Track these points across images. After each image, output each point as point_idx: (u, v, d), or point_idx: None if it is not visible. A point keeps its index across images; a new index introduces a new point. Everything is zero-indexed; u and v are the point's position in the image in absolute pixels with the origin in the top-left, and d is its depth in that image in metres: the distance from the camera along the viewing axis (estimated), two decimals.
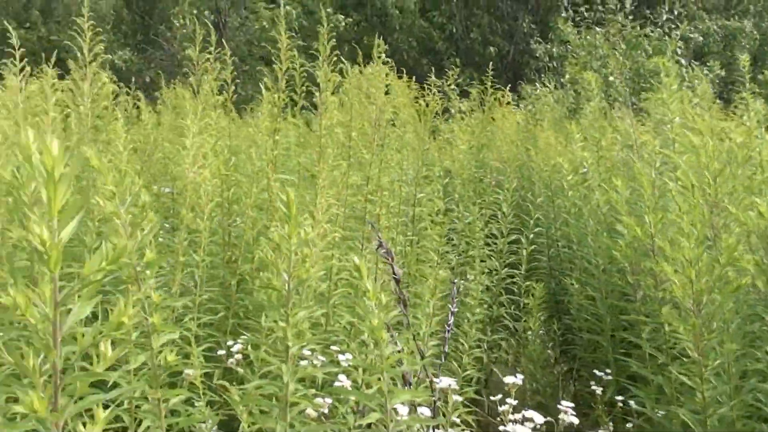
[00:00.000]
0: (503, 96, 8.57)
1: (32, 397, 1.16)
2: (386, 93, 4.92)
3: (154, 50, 24.65)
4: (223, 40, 5.43)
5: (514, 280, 6.09)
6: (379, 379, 2.22)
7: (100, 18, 30.09)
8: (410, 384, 2.78)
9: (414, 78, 6.99)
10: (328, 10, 21.59)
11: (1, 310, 1.13)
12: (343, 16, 22.46)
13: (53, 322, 1.20)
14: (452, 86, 8.79)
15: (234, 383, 3.24)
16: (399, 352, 2.29)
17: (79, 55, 4.50)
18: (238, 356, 3.52)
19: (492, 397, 3.72)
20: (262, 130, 4.68)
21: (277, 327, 2.35)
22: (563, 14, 19.93)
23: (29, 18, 30.35)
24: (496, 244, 6.09)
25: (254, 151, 4.54)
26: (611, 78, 12.99)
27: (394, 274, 2.97)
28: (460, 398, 3.29)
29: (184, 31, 22.66)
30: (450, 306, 3.59)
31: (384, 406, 2.22)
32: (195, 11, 23.71)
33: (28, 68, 4.21)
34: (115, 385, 2.92)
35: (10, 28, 4.30)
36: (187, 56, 18.78)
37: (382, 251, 3.03)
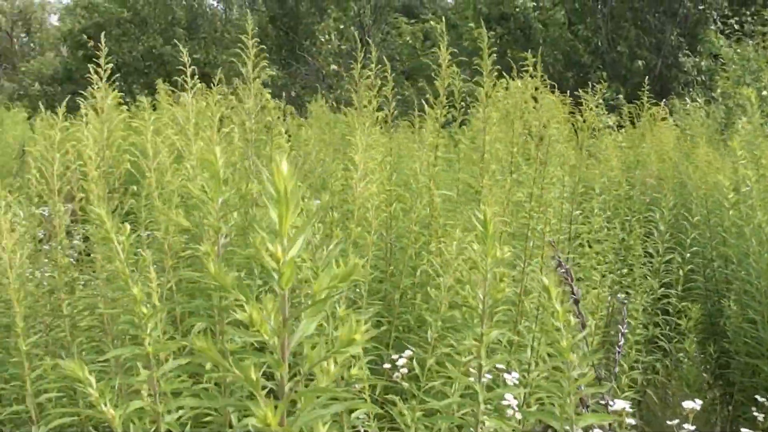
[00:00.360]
0: (657, 111, 8.42)
1: (266, 411, 1.18)
2: (535, 107, 4.89)
3: (299, 66, 25.14)
4: (385, 57, 5.46)
5: (669, 300, 5.96)
6: (566, 400, 2.20)
7: (246, 34, 30.75)
8: (587, 406, 2.75)
9: (564, 93, 6.94)
10: (470, 24, 21.61)
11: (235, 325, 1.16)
12: (486, 30, 22.41)
13: (282, 338, 1.22)
14: (599, 101, 8.66)
15: (397, 396, 3.26)
16: (584, 375, 2.26)
17: (243, 71, 4.60)
18: (404, 370, 3.53)
19: (669, 422, 3.63)
20: (426, 145, 4.71)
21: (469, 345, 2.34)
22: (712, 27, 19.46)
23: (174, 35, 31.40)
24: (651, 263, 5.97)
25: (418, 167, 4.56)
26: (765, 92, 12.59)
27: (573, 294, 2.93)
28: (633, 421, 3.23)
29: (329, 46, 23.02)
30: (620, 327, 3.52)
31: (570, 429, 2.19)
32: (341, 26, 24.05)
33: (198, 85, 4.31)
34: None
35: (180, 46, 4.42)
36: (331, 71, 19.05)
37: (561, 271, 3.00)
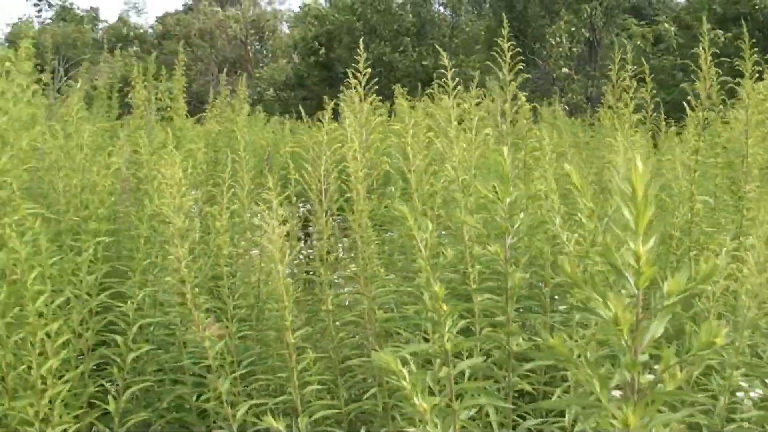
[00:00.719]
0: None
1: (627, 413, 1.18)
2: None
3: (529, 69, 24.99)
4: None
5: None
6: None
7: (473, 39, 31.13)
8: None
9: None
10: (707, 26, 20.87)
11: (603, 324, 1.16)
12: (721, 31, 21.67)
13: (636, 339, 1.22)
14: None
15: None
16: None
17: (500, 75, 4.62)
18: None
19: None
20: (688, 149, 4.59)
21: None
22: None
23: (401, 43, 31.95)
24: None
25: (679, 170, 4.45)
26: None
27: None
28: None
29: (560, 49, 22.79)
30: None
31: None
32: (572, 29, 23.74)
33: (460, 89, 4.35)
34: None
35: (443, 53, 4.47)
36: (562, 75, 18.80)
37: None
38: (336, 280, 4.31)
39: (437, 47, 4.64)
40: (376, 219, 4.48)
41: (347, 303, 4.20)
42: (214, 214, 4.04)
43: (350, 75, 4.51)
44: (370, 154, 4.25)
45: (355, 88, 4.39)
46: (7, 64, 4.45)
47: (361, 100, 4.31)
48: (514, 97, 4.67)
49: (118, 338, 3.93)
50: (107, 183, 4.37)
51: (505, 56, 4.58)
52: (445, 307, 1.95)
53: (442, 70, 4.23)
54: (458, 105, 4.27)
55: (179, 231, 3.42)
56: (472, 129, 4.21)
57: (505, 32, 4.58)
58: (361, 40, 4.43)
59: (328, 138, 4.09)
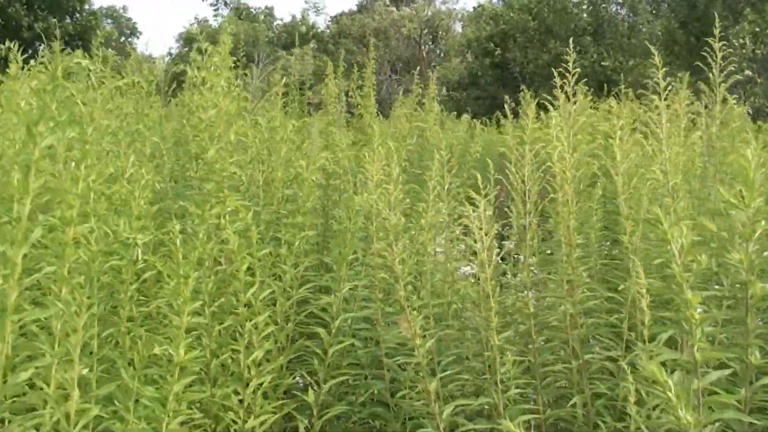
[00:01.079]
0: None
1: None
2: None
3: (710, 71, 24.22)
4: None
5: None
6: None
7: (651, 39, 30.36)
8: None
9: None
10: None
11: None
12: None
13: None
14: None
15: None
16: None
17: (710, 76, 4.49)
18: None
19: None
20: None
21: None
22: None
23: (580, 42, 31.53)
24: None
25: None
26: None
27: None
28: None
29: (743, 51, 22.01)
30: None
31: None
32: (757, 29, 22.86)
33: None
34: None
35: (654, 52, 4.38)
36: (745, 77, 18.16)
37: None
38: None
39: (648, 45, 4.53)
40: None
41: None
42: (419, 210, 4.04)
43: (556, 74, 4.44)
44: (577, 155, 4.17)
45: (561, 87, 4.32)
46: (216, 59, 4.55)
47: (568, 99, 4.23)
48: (724, 100, 4.52)
49: (322, 331, 3.98)
50: (315, 177, 4.43)
51: (716, 57, 4.43)
52: (696, 315, 1.89)
53: (654, 70, 4.11)
54: (667, 107, 4.14)
55: (394, 228, 3.43)
56: (680, 132, 4.10)
57: (716, 32, 4.43)
58: (571, 40, 4.33)
59: (531, 138, 4.04)
